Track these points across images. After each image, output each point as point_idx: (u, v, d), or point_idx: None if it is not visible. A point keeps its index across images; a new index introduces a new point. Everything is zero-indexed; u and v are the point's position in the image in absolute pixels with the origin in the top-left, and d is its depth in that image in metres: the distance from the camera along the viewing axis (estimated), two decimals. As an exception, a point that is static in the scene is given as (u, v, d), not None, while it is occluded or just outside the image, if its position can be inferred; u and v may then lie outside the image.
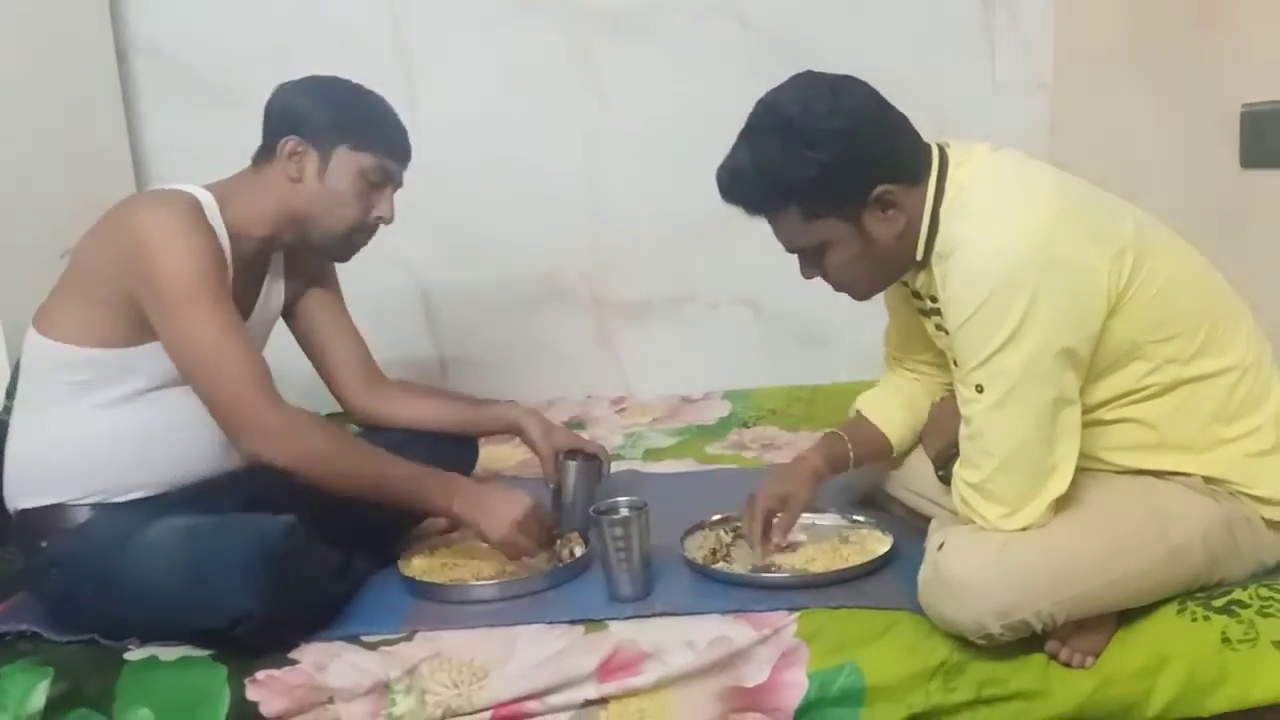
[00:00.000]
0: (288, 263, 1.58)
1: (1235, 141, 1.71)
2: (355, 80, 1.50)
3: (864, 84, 1.26)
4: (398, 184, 1.52)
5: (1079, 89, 2.33)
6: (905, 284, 1.39)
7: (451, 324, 2.50)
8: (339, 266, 1.65)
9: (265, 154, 1.46)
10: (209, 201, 1.40)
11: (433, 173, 2.32)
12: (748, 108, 1.28)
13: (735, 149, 1.28)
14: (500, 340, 2.49)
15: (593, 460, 1.64)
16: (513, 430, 1.71)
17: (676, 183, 2.42)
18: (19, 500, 1.40)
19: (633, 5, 2.37)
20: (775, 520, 1.44)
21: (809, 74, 1.27)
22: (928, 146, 1.28)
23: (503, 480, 1.93)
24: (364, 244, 1.52)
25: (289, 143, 1.43)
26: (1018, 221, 1.19)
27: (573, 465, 1.61)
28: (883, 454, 1.55)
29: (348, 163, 1.44)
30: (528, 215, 2.43)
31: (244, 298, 1.48)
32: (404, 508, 1.42)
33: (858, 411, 1.57)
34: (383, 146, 1.47)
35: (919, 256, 1.28)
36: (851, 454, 1.51)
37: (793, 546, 1.46)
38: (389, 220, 1.50)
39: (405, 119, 1.52)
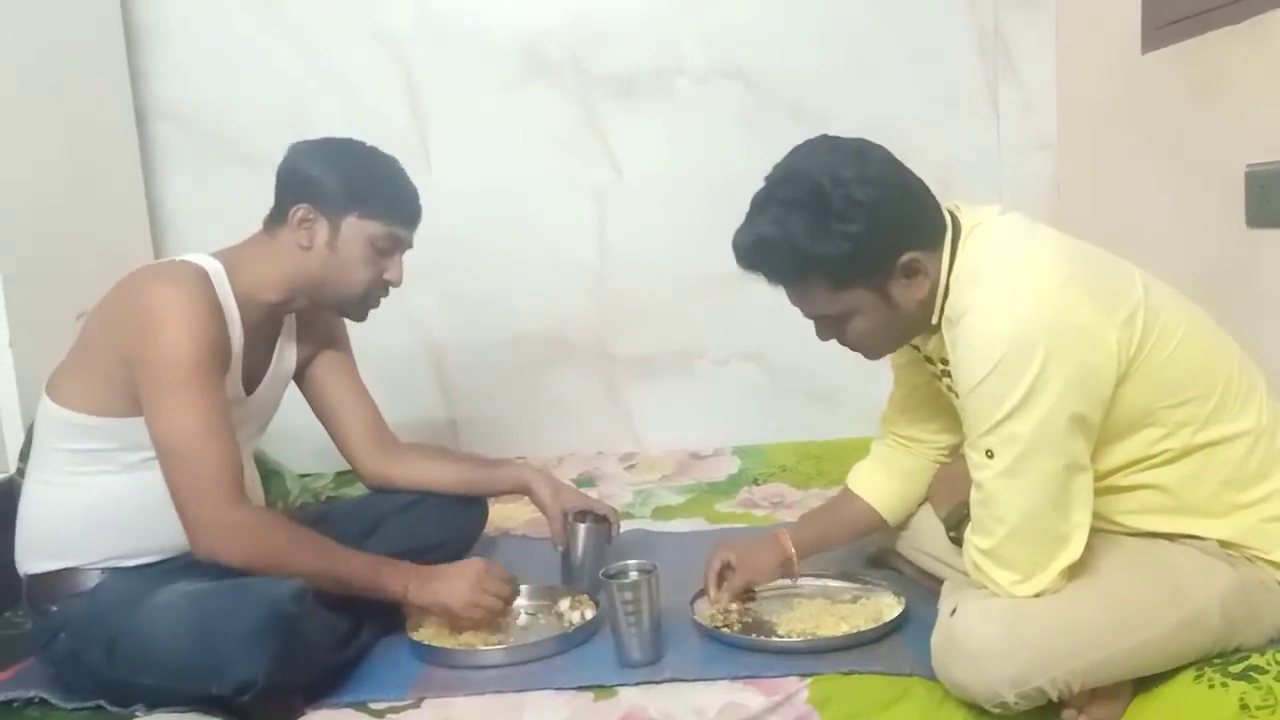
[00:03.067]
0: (300, 326, 1.59)
1: (1240, 201, 1.72)
2: (369, 143, 1.51)
3: (882, 148, 1.25)
4: (407, 246, 1.53)
5: (1082, 149, 2.35)
6: (916, 348, 1.39)
7: (461, 383, 2.51)
8: (350, 326, 1.67)
9: (277, 219, 1.47)
10: (218, 272, 1.41)
11: (444, 233, 2.35)
12: (753, 168, 1.27)
13: (756, 218, 1.24)
14: (510, 398, 2.50)
15: (602, 522, 1.64)
16: (522, 490, 1.70)
17: (684, 241, 2.46)
18: (30, 565, 1.40)
19: (639, 69, 2.42)
20: (726, 581, 1.47)
21: (829, 139, 1.26)
22: (941, 209, 1.28)
23: (512, 540, 1.93)
24: (377, 304, 1.54)
25: (299, 210, 1.44)
26: (1027, 288, 1.19)
27: (582, 528, 1.61)
28: (873, 527, 1.55)
29: (357, 231, 1.45)
30: (537, 274, 2.46)
31: (256, 361, 1.49)
32: (364, 597, 1.40)
33: (845, 487, 1.57)
34: (392, 214, 1.47)
35: (934, 320, 1.28)
36: (831, 537, 1.55)
37: (740, 609, 1.48)
38: (398, 284, 1.52)
39: (419, 180, 1.53)
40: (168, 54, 2.39)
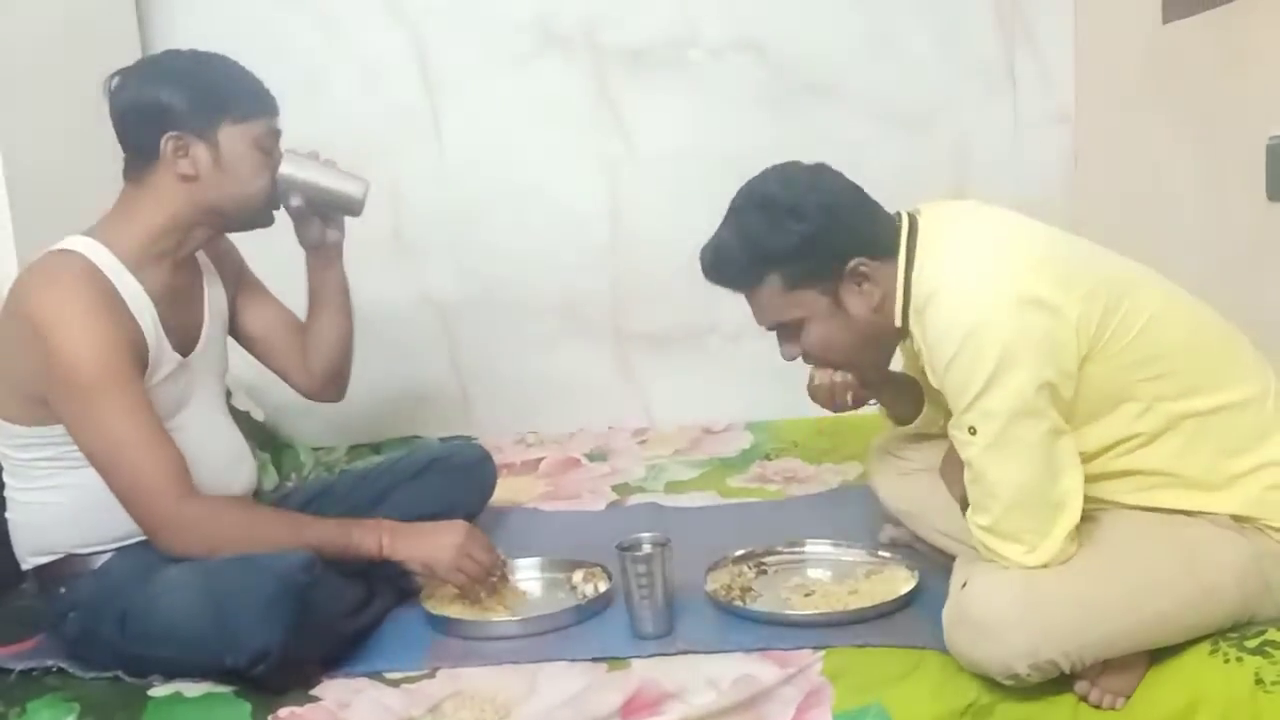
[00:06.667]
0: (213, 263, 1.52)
1: (1261, 173, 1.70)
2: (188, 49, 1.41)
3: (838, 172, 1.34)
4: (280, 135, 1.44)
5: (1101, 122, 2.32)
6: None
7: (474, 355, 2.51)
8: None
9: (141, 162, 1.35)
10: (100, 254, 1.31)
11: (455, 207, 2.37)
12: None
13: (719, 231, 1.35)
14: (523, 371, 2.49)
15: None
16: None
17: (697, 215, 2.41)
18: (29, 561, 1.39)
19: (653, 41, 2.39)
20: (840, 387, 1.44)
21: (789, 162, 1.36)
22: (896, 220, 1.33)
23: (522, 512, 1.93)
24: (279, 205, 1.45)
25: (170, 140, 1.33)
26: (987, 267, 1.23)
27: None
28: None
29: (238, 138, 1.36)
30: (551, 248, 2.45)
31: (188, 316, 1.43)
32: (342, 562, 1.37)
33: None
34: (261, 108, 1.39)
35: (898, 323, 1.31)
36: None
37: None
38: None
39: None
40: (180, 26, 2.37)
